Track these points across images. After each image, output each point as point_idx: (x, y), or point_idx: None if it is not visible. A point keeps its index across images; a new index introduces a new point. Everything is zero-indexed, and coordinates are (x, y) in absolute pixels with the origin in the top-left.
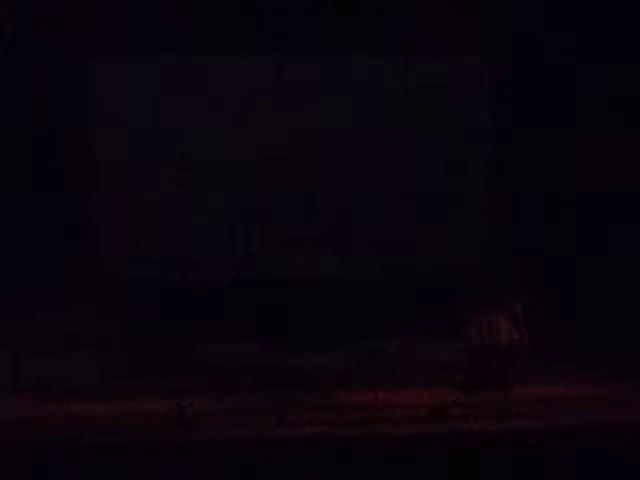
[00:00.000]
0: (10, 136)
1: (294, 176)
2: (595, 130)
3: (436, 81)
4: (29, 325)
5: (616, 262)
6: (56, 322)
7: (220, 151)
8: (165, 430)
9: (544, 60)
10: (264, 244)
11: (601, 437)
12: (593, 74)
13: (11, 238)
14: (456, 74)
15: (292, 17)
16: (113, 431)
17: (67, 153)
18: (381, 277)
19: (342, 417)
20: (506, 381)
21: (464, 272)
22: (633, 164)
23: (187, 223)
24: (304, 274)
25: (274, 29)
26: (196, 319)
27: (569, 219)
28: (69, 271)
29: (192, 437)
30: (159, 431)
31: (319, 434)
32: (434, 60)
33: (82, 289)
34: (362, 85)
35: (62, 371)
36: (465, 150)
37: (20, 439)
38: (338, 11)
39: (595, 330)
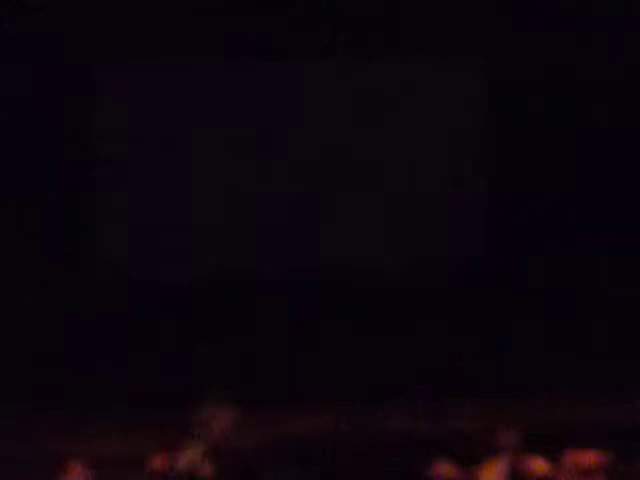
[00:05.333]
0: (10, 137)
1: (294, 176)
2: (595, 130)
3: (436, 81)
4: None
5: (616, 263)
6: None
7: (221, 152)
8: None
9: (544, 60)
10: (266, 244)
11: None
12: (593, 73)
13: (11, 238)
14: (455, 74)
15: (292, 20)
16: None
17: (68, 154)
18: (380, 277)
19: None
20: None
21: (463, 272)
22: (633, 163)
23: (188, 223)
24: (304, 273)
25: (274, 32)
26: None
27: (569, 218)
28: (68, 271)
29: None
30: None
31: None
32: (433, 60)
33: (81, 289)
34: (362, 85)
35: None
36: (465, 150)
37: None
38: (337, 11)
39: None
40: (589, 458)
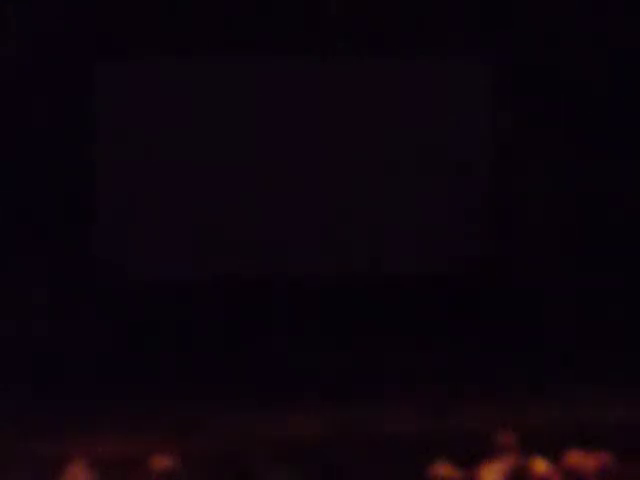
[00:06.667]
0: (11, 137)
1: (294, 175)
2: (595, 129)
3: (436, 81)
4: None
5: (619, 263)
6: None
7: (221, 151)
8: None
9: (544, 60)
10: (265, 244)
11: None
12: (593, 74)
13: (10, 238)
14: (456, 74)
15: (291, 17)
16: None
17: (68, 154)
18: (380, 276)
19: None
20: None
21: (464, 272)
22: (634, 164)
23: (188, 223)
24: (304, 272)
25: (273, 29)
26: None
27: (570, 219)
28: (68, 271)
29: None
30: None
31: None
32: (434, 60)
33: (81, 290)
34: (362, 84)
35: None
36: (465, 150)
37: None
38: (337, 11)
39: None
40: (589, 458)
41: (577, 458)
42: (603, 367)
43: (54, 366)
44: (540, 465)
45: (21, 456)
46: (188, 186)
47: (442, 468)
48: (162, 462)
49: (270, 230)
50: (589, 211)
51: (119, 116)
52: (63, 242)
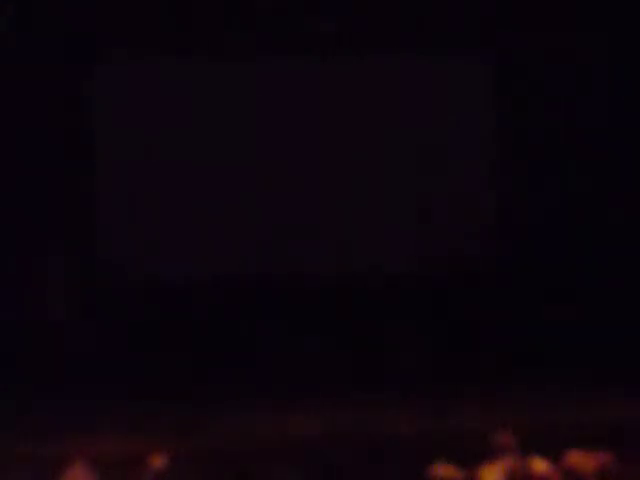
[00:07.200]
0: (10, 137)
1: (294, 175)
2: (595, 129)
3: (436, 81)
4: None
5: (619, 263)
6: None
7: (221, 151)
8: None
9: (544, 60)
10: (265, 243)
11: None
12: (593, 74)
13: (10, 239)
14: (456, 74)
15: (291, 17)
16: None
17: (68, 154)
18: (380, 276)
19: None
20: None
21: (464, 272)
22: (634, 164)
23: (189, 223)
24: (304, 272)
25: (273, 29)
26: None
27: (570, 219)
28: (68, 271)
29: None
30: None
31: None
32: (434, 60)
33: (81, 290)
34: (362, 85)
35: None
36: (465, 150)
37: None
38: (337, 11)
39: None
40: (589, 458)
41: (577, 458)
42: (603, 367)
43: (54, 366)
44: (540, 465)
45: (21, 456)
46: (188, 186)
47: (442, 468)
48: (161, 462)
49: (270, 230)
50: (589, 211)
51: (119, 116)
52: (63, 242)
